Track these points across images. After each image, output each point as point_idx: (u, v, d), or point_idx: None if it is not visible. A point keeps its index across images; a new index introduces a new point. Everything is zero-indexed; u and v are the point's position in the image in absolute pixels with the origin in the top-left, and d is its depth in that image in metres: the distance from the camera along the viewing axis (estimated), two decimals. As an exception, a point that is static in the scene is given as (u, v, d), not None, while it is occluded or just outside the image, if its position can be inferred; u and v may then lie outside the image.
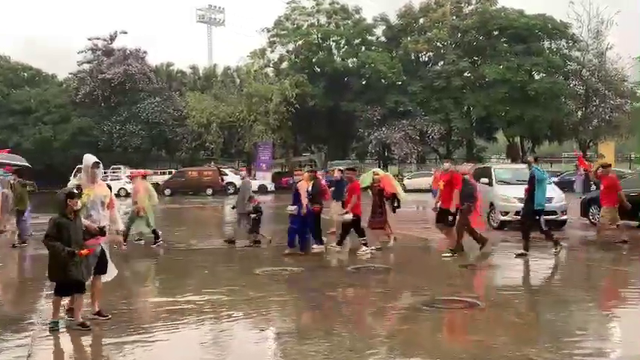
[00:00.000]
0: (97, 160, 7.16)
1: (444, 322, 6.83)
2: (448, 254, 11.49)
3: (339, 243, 12.63)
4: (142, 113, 48.61)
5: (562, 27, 46.64)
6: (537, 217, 11.67)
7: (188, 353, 6.04)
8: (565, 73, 47.27)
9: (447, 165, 12.67)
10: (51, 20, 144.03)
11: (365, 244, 12.18)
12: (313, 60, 49.19)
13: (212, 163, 47.17)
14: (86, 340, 6.40)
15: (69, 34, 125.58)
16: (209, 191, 38.61)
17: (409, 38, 48.64)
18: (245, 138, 46.02)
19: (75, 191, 6.74)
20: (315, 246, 12.39)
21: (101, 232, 6.87)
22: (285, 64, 51.81)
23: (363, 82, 48.31)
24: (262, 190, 37.99)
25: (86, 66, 51.39)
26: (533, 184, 11.51)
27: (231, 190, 36.36)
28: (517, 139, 50.84)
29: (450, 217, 11.94)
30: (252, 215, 13.59)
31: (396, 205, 13.35)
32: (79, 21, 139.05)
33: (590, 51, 48.23)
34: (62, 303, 6.82)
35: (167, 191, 37.91)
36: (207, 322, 7.11)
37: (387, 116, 45.22)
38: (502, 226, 15.87)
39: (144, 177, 14.42)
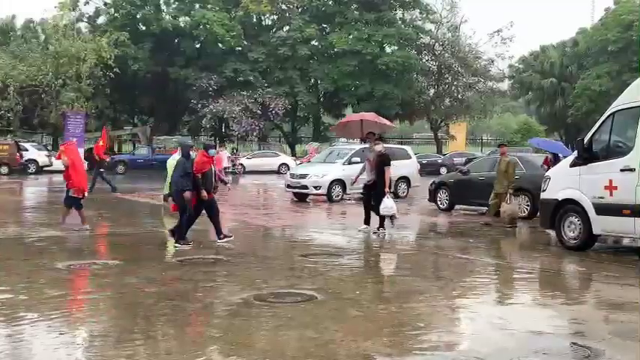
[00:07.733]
0: None
1: (278, 318, 6.98)
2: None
3: None
4: None
5: (416, -5, 49.15)
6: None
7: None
8: (418, 47, 49.86)
9: None
10: None
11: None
12: (137, 16, 47.62)
13: (9, 136, 44.21)
14: None
15: None
16: (4, 170, 36.90)
17: (250, -3, 48.67)
18: (51, 106, 43.60)
19: None
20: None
21: None
22: (102, 19, 49.80)
23: (197, 46, 47.65)
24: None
25: None
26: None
27: (33, 169, 37.90)
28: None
29: None
30: None
31: None
32: None
33: (445, 24, 51.31)
34: None
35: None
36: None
37: (225, 86, 45.05)
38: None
39: None
